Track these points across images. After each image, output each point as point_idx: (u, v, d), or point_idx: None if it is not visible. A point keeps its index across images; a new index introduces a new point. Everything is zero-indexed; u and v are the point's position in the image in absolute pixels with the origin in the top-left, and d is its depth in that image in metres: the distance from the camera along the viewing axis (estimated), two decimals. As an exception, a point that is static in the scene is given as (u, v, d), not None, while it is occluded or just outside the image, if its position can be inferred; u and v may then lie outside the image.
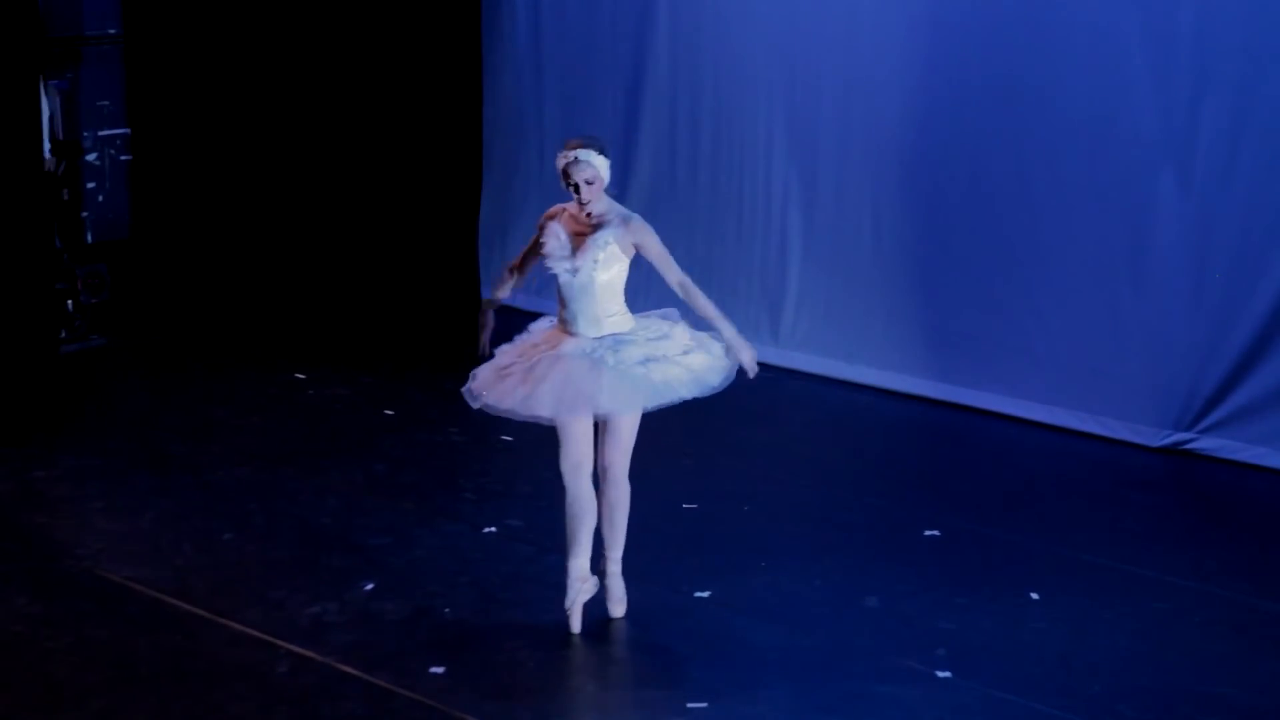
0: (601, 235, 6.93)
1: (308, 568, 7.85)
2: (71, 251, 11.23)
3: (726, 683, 6.75)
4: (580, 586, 7.15)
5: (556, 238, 7.01)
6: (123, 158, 11.51)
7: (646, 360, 6.91)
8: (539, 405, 6.86)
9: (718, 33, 10.88)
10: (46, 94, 10.67)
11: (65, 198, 11.24)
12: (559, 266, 6.98)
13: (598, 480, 7.13)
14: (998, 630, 7.23)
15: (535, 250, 7.14)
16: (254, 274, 11.67)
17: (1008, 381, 9.89)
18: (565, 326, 7.04)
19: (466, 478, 8.97)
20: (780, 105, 10.70)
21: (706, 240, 11.07)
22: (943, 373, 10.15)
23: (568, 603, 7.14)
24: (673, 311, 7.22)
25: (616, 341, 6.95)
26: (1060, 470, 9.17)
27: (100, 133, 11.41)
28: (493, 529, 8.26)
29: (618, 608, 7.30)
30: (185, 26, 11.35)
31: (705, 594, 7.55)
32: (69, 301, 11.13)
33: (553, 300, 7.17)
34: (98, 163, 11.42)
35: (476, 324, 7.31)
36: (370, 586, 7.62)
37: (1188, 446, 9.31)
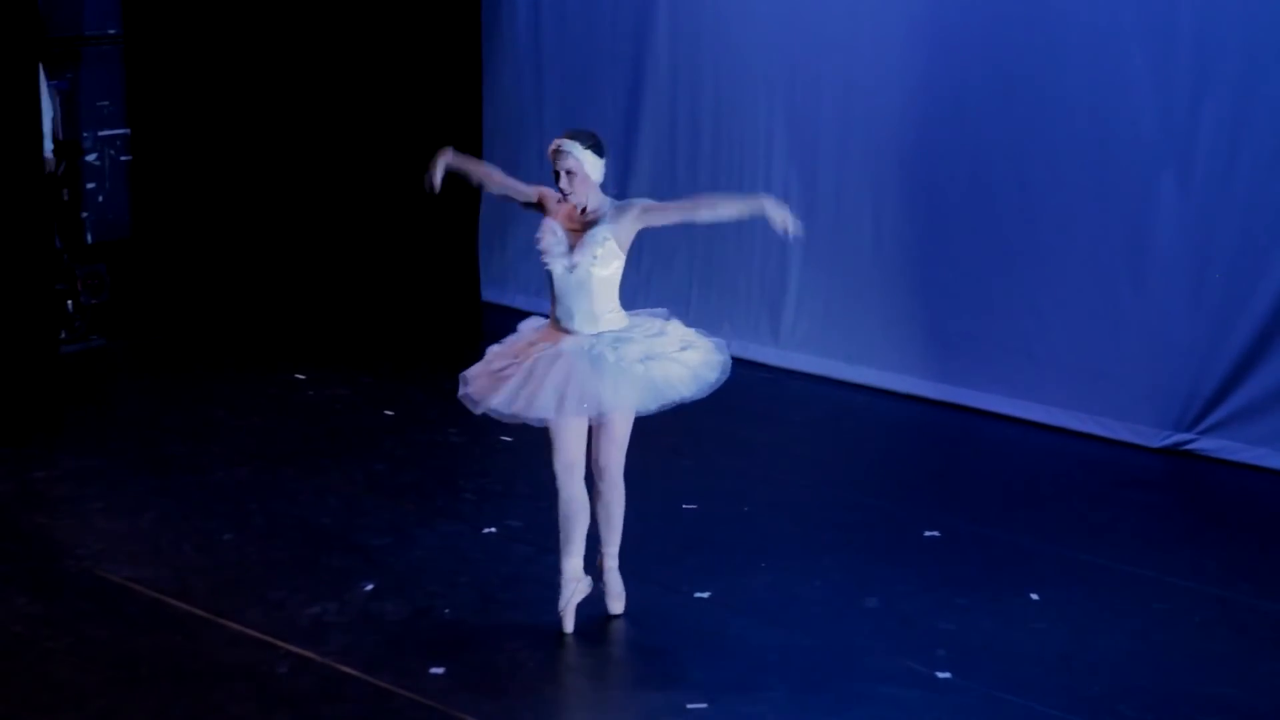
0: (599, 231, 6.92)
1: (308, 568, 7.85)
2: (71, 252, 11.23)
3: (726, 683, 6.75)
4: (574, 587, 7.15)
5: (553, 233, 6.99)
6: (123, 158, 11.51)
7: (646, 358, 6.91)
8: (542, 406, 6.84)
9: (718, 32, 10.88)
10: (47, 94, 10.66)
11: (65, 198, 11.23)
12: (556, 263, 6.96)
13: (592, 479, 7.12)
14: (998, 631, 7.23)
15: (520, 197, 7.11)
16: (254, 274, 11.67)
17: (1008, 382, 9.88)
18: (559, 324, 7.02)
19: (466, 478, 8.97)
20: (780, 105, 10.70)
21: (706, 241, 11.07)
22: (943, 373, 10.14)
23: (562, 603, 7.14)
24: (664, 311, 7.22)
25: (616, 339, 6.94)
26: (1060, 471, 9.16)
27: (100, 133, 11.41)
28: (492, 529, 8.26)
29: (616, 604, 7.30)
30: (185, 27, 11.34)
31: (705, 594, 7.54)
32: (69, 302, 11.12)
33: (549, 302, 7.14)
34: (98, 163, 11.42)
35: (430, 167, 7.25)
36: (370, 587, 7.62)
37: (1188, 447, 9.30)
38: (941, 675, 6.81)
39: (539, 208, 7.09)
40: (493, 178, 7.27)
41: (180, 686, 6.74)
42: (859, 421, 10.01)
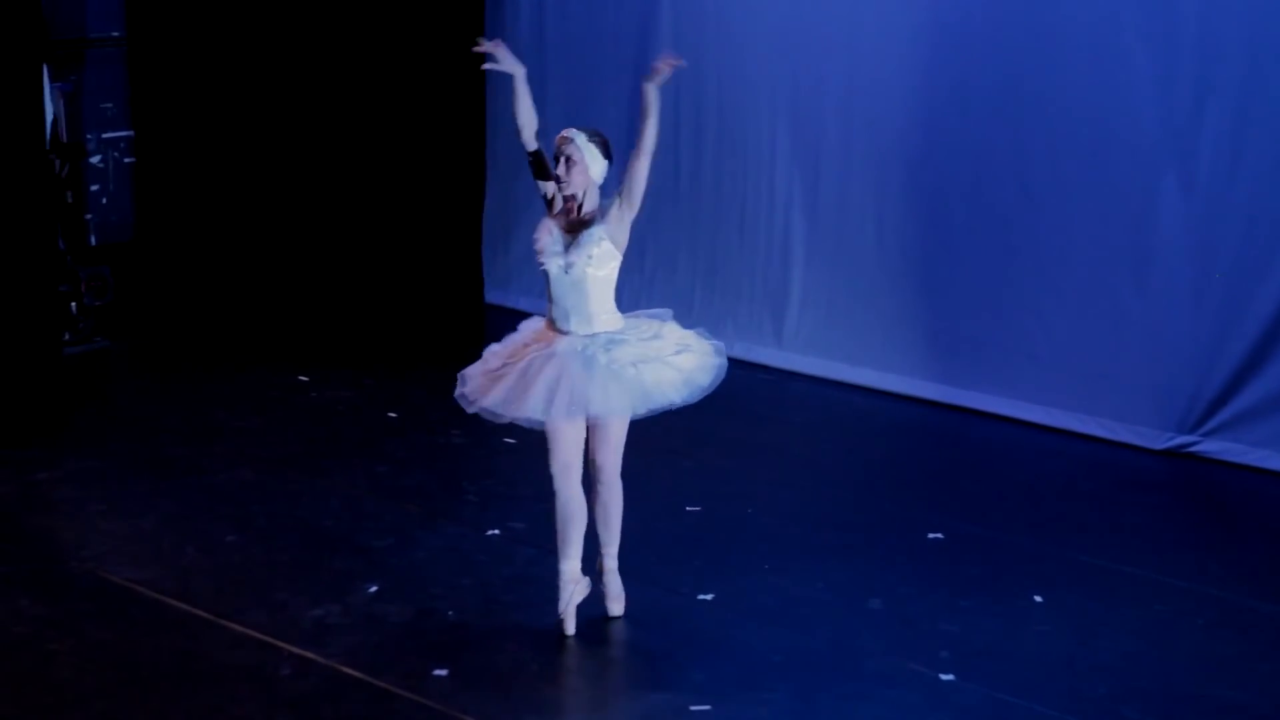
0: (594, 231, 6.92)
1: (310, 570, 7.85)
2: (75, 254, 11.24)
3: (729, 685, 6.74)
4: (573, 588, 7.15)
5: (550, 233, 7.00)
6: (126, 160, 11.51)
7: (639, 361, 6.90)
8: (531, 407, 6.85)
9: (721, 35, 10.88)
10: (50, 96, 10.67)
11: (69, 200, 11.24)
12: (552, 262, 6.96)
13: (590, 480, 7.12)
14: (1001, 632, 7.23)
15: (542, 168, 7.03)
16: (257, 276, 11.67)
17: (1011, 384, 9.88)
18: (555, 325, 7.02)
19: (469, 480, 8.97)
20: (783, 108, 10.70)
21: (710, 243, 11.08)
22: (946, 375, 10.14)
23: (561, 605, 7.13)
24: (666, 312, 7.22)
25: (609, 341, 6.93)
26: (1063, 473, 9.16)
27: (104, 135, 11.41)
28: (495, 531, 8.25)
29: (616, 605, 7.30)
30: (189, 29, 11.34)
31: (708, 596, 7.54)
32: (72, 304, 11.12)
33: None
34: (101, 165, 11.42)
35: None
36: (373, 589, 7.62)
37: (1191, 449, 9.30)
38: (945, 677, 6.81)
39: (549, 204, 7.07)
40: (529, 127, 7.04)
41: (183, 688, 6.73)
42: (862, 423, 10.01)
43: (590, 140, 6.96)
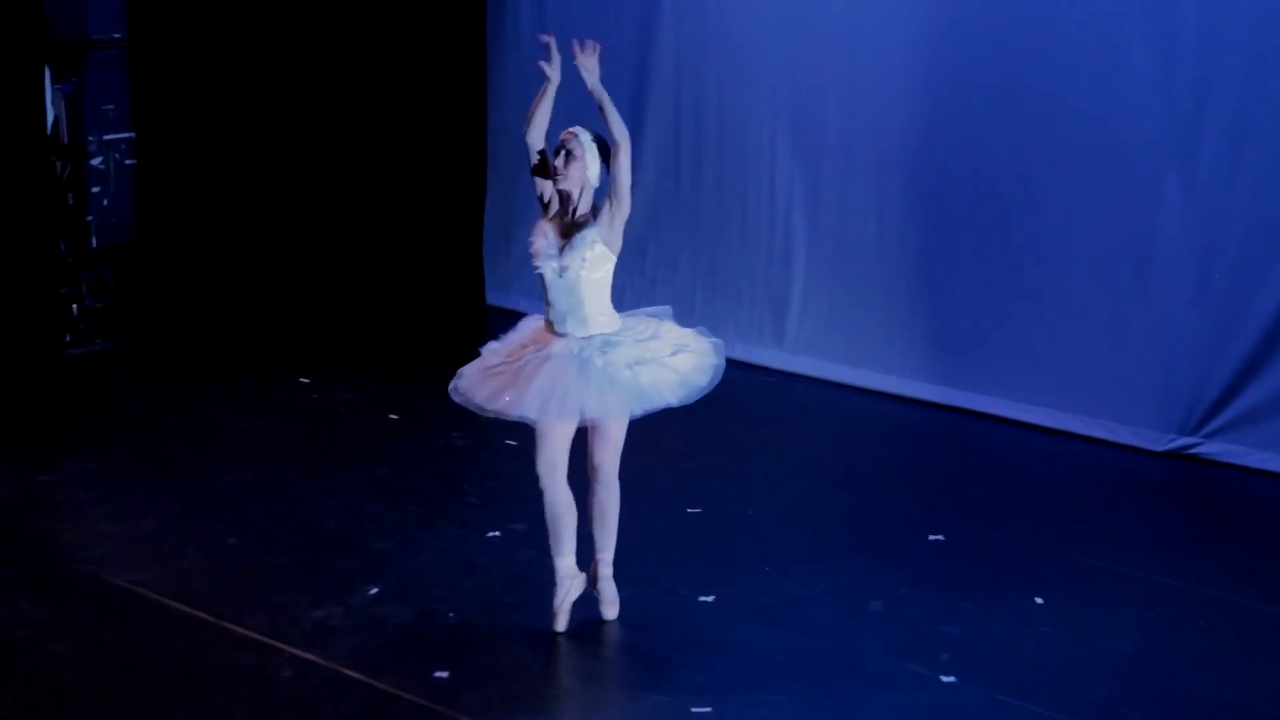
0: (588, 234, 6.93)
1: (311, 572, 7.85)
2: (76, 255, 11.24)
3: (731, 687, 6.74)
4: (569, 585, 7.16)
5: (544, 236, 7.00)
6: (127, 162, 11.52)
7: (635, 363, 6.90)
8: (525, 407, 6.85)
9: (721, 37, 10.88)
10: (51, 98, 10.67)
11: (70, 202, 11.24)
12: (547, 265, 6.96)
13: (587, 480, 7.12)
14: (1002, 634, 7.22)
15: (544, 168, 7.02)
16: (258, 278, 11.67)
17: (1012, 385, 9.88)
18: (552, 327, 7.02)
19: (470, 481, 8.96)
20: (784, 110, 10.70)
21: (711, 245, 11.08)
22: (947, 377, 10.14)
23: (557, 602, 7.14)
24: (666, 309, 7.22)
25: (605, 343, 6.93)
26: (1064, 474, 9.16)
27: (105, 137, 11.42)
28: (496, 533, 8.25)
29: (610, 610, 7.29)
30: (190, 30, 11.35)
31: (709, 598, 7.54)
32: (74, 305, 11.13)
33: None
34: (102, 167, 11.43)
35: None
36: (374, 591, 7.62)
37: (1192, 451, 9.30)
38: (946, 679, 6.81)
39: (544, 206, 7.08)
40: (540, 127, 7.05)
41: (184, 690, 6.74)
42: (863, 425, 10.01)
43: (594, 141, 6.98)
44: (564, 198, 7.01)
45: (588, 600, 7.24)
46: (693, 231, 11.11)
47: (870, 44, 10.25)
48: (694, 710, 6.56)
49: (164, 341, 11.39)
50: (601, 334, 6.96)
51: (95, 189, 11.40)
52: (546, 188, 7.07)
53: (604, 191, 7.00)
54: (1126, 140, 9.33)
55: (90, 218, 11.38)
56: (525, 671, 6.90)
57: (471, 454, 9.34)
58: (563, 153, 6.97)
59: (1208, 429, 9.26)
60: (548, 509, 7.10)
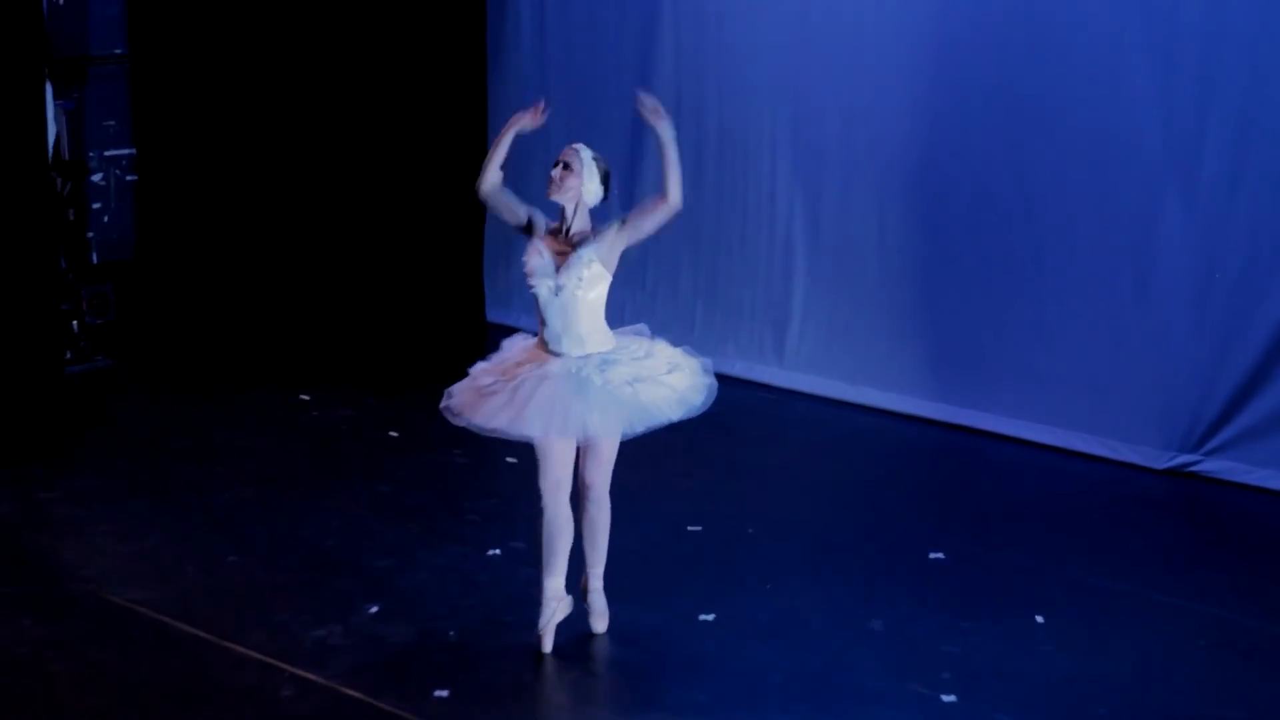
0: (584, 253, 6.92)
1: (312, 590, 7.84)
2: (76, 272, 11.24)
3: (731, 705, 6.74)
4: (555, 606, 7.15)
5: (540, 255, 6.99)
6: (128, 178, 11.52)
7: (634, 380, 6.90)
8: (527, 425, 6.83)
9: (722, 49, 10.89)
10: (52, 114, 10.67)
11: (70, 218, 11.24)
12: (541, 284, 6.96)
13: (578, 498, 7.12)
14: (1003, 653, 7.22)
15: (511, 218, 7.05)
16: (259, 294, 11.67)
17: (1012, 403, 9.88)
18: (547, 346, 7.02)
19: (470, 500, 8.96)
20: (784, 124, 10.70)
21: (711, 260, 11.08)
22: (947, 394, 10.14)
23: (542, 622, 7.13)
24: (643, 327, 7.22)
25: (602, 361, 6.93)
26: (1065, 492, 9.15)
27: (106, 153, 11.42)
28: (497, 551, 8.25)
29: (599, 622, 7.29)
30: (191, 47, 11.35)
31: (709, 616, 7.53)
32: (74, 322, 11.13)
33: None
34: (103, 183, 11.43)
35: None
36: (374, 609, 7.61)
37: (1193, 468, 9.29)
38: (946, 698, 6.80)
39: (528, 230, 7.08)
40: (495, 184, 7.12)
41: (184, 709, 6.73)
42: (863, 442, 10.00)
43: (595, 160, 6.98)
44: (560, 214, 7.01)
45: (582, 619, 7.23)
46: (693, 247, 11.11)
47: (871, 59, 10.25)
48: (694, 729, 6.56)
49: (164, 358, 11.38)
50: (598, 353, 6.95)
51: (96, 205, 11.40)
52: (521, 213, 7.05)
53: (600, 214, 7.00)
54: (1127, 157, 9.34)
55: (91, 234, 11.38)
56: (525, 691, 6.89)
57: (472, 472, 9.34)
58: (561, 165, 6.97)
59: (1209, 446, 9.26)
60: (545, 526, 7.09)
